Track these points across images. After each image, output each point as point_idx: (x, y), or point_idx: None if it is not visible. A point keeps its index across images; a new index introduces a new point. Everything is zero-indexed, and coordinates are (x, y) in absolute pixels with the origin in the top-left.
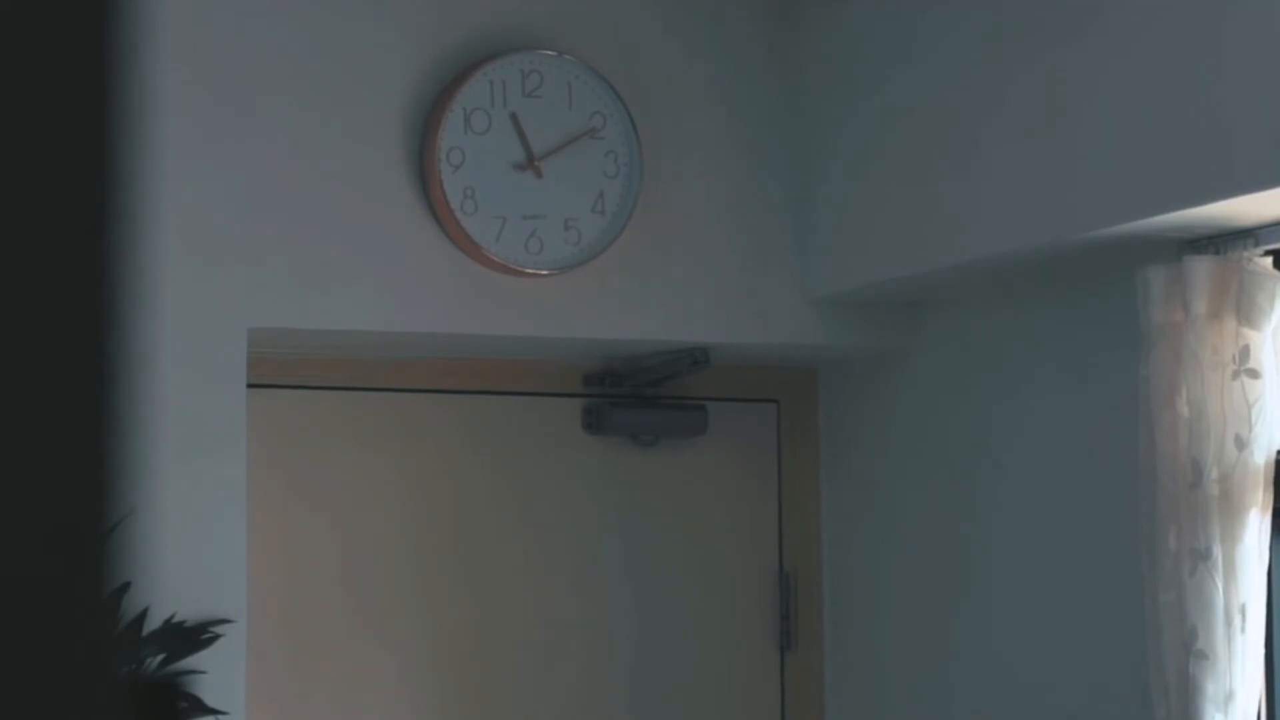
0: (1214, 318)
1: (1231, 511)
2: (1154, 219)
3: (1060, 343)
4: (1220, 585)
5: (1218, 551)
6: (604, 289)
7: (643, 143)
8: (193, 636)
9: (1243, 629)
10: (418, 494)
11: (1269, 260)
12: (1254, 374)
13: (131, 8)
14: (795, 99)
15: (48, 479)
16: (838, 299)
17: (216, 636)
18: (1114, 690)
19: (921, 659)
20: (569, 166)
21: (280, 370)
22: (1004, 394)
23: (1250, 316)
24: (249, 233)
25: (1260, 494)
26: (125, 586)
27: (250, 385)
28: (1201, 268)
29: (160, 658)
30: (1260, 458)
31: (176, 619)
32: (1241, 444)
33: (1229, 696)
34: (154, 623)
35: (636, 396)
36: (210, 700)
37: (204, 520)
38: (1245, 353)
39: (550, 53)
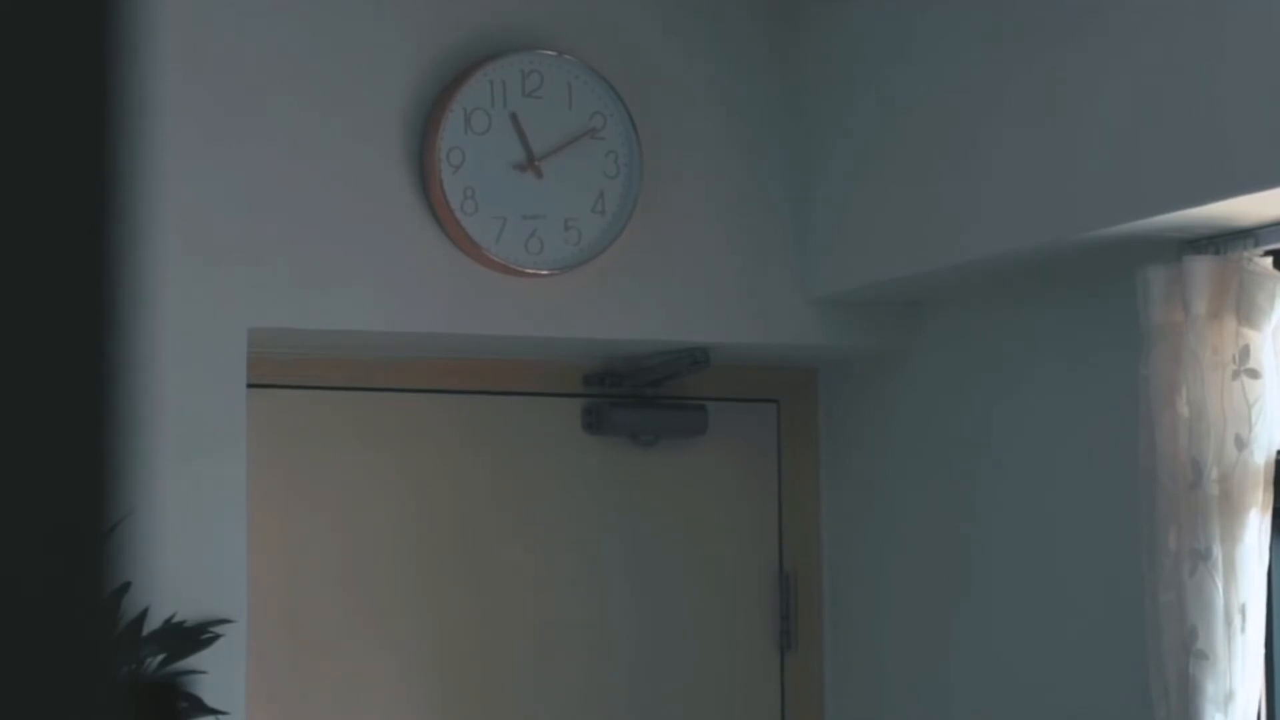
0: (1214, 318)
1: (1231, 511)
2: (1154, 219)
3: (1060, 343)
4: (1220, 585)
5: (1218, 551)
6: (604, 289)
7: (643, 143)
8: (193, 636)
9: (1243, 629)
10: (418, 494)
11: (1269, 260)
12: (1254, 374)
13: (131, 8)
14: (795, 99)
15: (48, 479)
16: (838, 299)
17: (216, 636)
18: (1114, 690)
19: (921, 659)
20: (569, 166)
21: (280, 370)
22: (1004, 394)
23: (1250, 316)
24: (249, 233)
25: (1260, 494)
26: (125, 586)
27: (250, 385)
28: (1201, 268)
29: (160, 658)
30: (1260, 458)
31: (176, 619)
32: (1241, 444)
33: (1229, 696)
34: (154, 623)
35: (636, 396)
36: (210, 700)
37: (204, 520)
38: (1245, 353)
39: (550, 53)
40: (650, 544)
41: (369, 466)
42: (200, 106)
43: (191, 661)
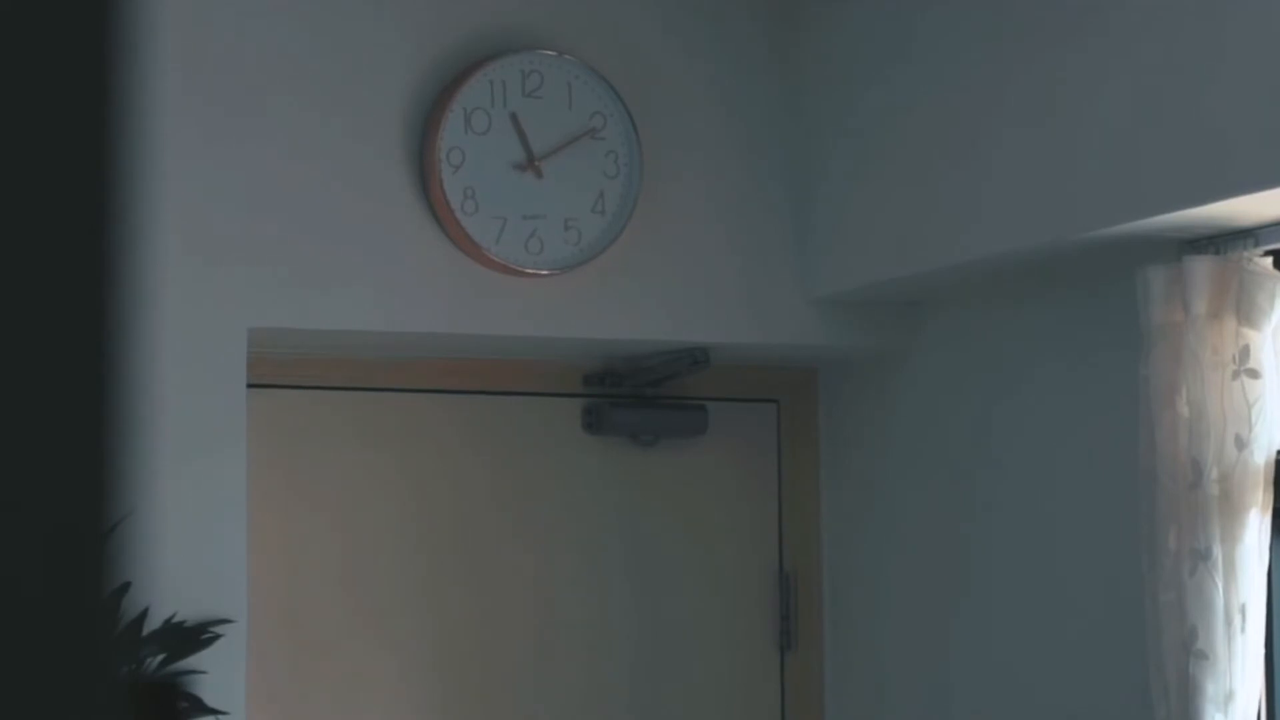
0: (1214, 318)
1: (1231, 511)
2: (1154, 219)
3: (1060, 343)
4: (1220, 585)
5: (1218, 551)
6: (604, 289)
7: (643, 143)
8: (193, 636)
9: (1243, 629)
10: (418, 494)
11: (1269, 260)
12: (1254, 374)
13: (131, 8)
14: (795, 99)
15: (48, 479)
16: (838, 299)
17: (216, 636)
18: (1114, 690)
19: (921, 659)
20: (569, 166)
21: (280, 370)
22: (1004, 394)
23: (1250, 316)
24: (249, 233)
25: (1260, 494)
26: (125, 586)
27: (250, 385)
28: (1201, 268)
29: (160, 658)
30: (1260, 458)
31: (176, 619)
32: (1241, 444)
33: (1229, 696)
34: (154, 623)
35: (636, 396)
36: (210, 700)
37: (204, 520)
38: (1245, 353)
39: (550, 53)
40: (650, 544)
41: (369, 466)
42: (200, 106)
43: (191, 661)
